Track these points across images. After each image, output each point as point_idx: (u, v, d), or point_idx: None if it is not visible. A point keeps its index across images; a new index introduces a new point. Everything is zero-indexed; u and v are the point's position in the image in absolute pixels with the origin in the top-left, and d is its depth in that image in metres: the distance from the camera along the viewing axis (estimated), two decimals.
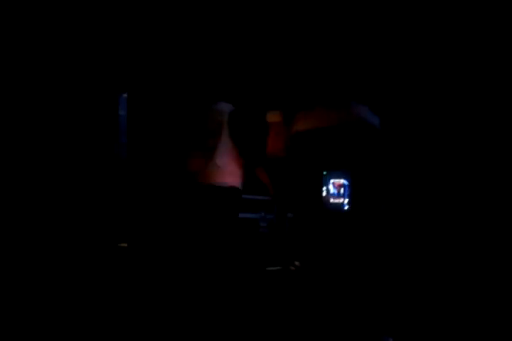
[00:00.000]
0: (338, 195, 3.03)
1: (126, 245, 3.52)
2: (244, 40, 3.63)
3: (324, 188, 3.04)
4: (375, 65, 3.46)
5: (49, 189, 3.46)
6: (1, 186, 3.34)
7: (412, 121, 3.33)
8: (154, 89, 3.73)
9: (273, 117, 3.25)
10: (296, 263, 3.09)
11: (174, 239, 3.35)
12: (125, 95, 3.77)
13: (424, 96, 3.35)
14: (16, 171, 3.38)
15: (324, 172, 3.03)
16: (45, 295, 3.18)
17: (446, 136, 3.26)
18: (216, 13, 3.56)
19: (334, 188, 3.02)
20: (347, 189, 3.01)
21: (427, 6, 3.34)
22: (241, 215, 3.39)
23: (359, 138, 3.08)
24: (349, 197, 2.98)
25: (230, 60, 3.65)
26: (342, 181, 3.02)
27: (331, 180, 3.02)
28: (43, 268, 3.30)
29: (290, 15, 3.52)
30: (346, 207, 3.01)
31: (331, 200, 3.02)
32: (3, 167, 3.37)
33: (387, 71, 3.44)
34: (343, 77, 3.42)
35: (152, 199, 3.59)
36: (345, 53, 3.50)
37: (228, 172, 3.26)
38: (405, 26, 3.40)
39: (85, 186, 3.55)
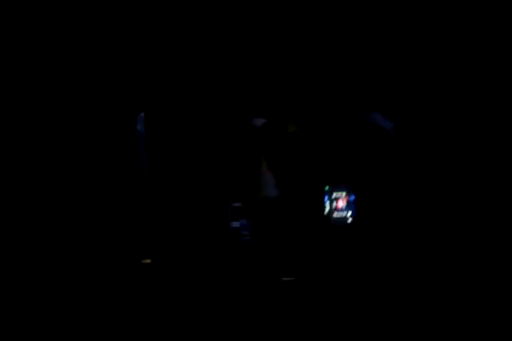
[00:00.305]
0: (342, 209, 3.08)
1: (149, 261, 3.60)
2: (254, 53, 3.65)
3: (327, 203, 3.10)
4: (388, 70, 3.42)
5: (71, 205, 3.56)
6: (22, 201, 3.47)
7: (425, 127, 3.29)
8: (172, 108, 3.81)
9: (291, 128, 3.36)
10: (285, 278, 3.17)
11: (196, 254, 3.44)
12: (142, 114, 3.87)
13: (436, 100, 3.30)
14: (37, 187, 3.50)
15: (326, 188, 3.09)
16: (66, 311, 3.29)
17: (459, 142, 3.21)
18: (221, 34, 3.60)
19: (337, 203, 3.07)
20: (351, 203, 3.06)
21: (439, 12, 3.28)
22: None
23: (371, 143, 3.11)
24: (353, 210, 3.02)
25: (241, 73, 3.69)
26: (345, 195, 3.07)
27: (334, 195, 3.08)
28: (63, 283, 3.39)
29: (296, 27, 3.53)
30: (350, 220, 3.06)
31: (335, 214, 3.08)
32: (25, 184, 3.50)
33: (401, 76, 3.40)
34: (356, 83, 3.41)
35: (176, 213, 3.66)
36: (358, 59, 3.47)
37: (272, 185, 3.37)
38: (419, 32, 3.35)
39: (107, 201, 3.64)
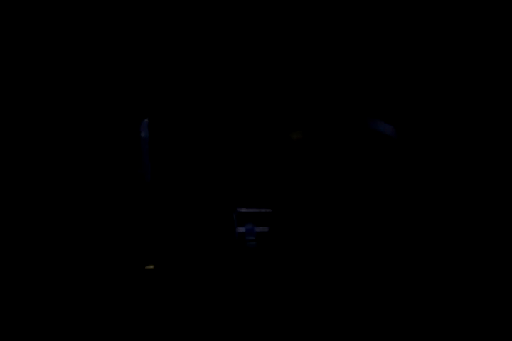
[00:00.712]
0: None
1: (152, 267, 3.60)
2: (258, 59, 3.63)
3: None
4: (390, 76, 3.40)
5: (73, 211, 3.57)
6: (24, 208, 3.52)
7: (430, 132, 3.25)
8: (176, 113, 3.80)
9: (297, 135, 3.41)
10: None
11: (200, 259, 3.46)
12: (146, 120, 3.87)
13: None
14: (41, 191, 3.51)
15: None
16: (70, 314, 3.31)
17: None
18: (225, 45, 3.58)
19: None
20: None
21: (441, 20, 3.24)
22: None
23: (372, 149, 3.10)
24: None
25: (245, 79, 3.66)
26: None
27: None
28: (67, 287, 3.49)
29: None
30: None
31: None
32: (30, 187, 3.50)
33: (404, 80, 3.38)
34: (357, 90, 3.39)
35: (180, 219, 3.66)
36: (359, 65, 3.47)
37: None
38: (420, 40, 3.33)
39: (111, 208, 3.64)
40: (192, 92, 3.74)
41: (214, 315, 3.30)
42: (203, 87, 3.70)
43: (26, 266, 3.46)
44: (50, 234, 3.53)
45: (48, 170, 3.60)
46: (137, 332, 3.28)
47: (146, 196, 3.78)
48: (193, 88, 3.71)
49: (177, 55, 3.68)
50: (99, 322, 3.36)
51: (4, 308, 3.22)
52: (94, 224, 3.62)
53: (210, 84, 3.70)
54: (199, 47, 3.62)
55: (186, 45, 3.65)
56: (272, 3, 3.39)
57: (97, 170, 3.69)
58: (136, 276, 3.58)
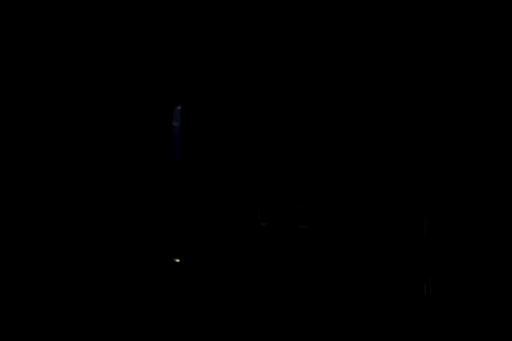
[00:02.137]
0: None
1: (178, 260, 3.60)
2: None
3: None
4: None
5: (102, 200, 3.57)
6: (57, 198, 3.52)
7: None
8: (211, 100, 3.74)
9: None
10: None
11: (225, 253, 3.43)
12: (179, 107, 3.80)
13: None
14: (71, 181, 3.52)
15: None
16: (98, 313, 3.34)
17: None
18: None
19: None
20: None
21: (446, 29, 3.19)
22: None
23: None
24: None
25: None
26: None
27: None
28: (91, 283, 3.46)
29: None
30: None
31: None
32: (60, 180, 3.52)
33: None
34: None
35: (208, 212, 3.64)
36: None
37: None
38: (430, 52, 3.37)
39: (139, 197, 3.63)
40: (229, 79, 3.67)
41: (236, 309, 3.32)
42: (240, 73, 3.63)
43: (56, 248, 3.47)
44: (77, 218, 3.55)
45: (78, 152, 3.59)
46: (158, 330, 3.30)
47: (177, 182, 3.74)
48: (230, 74, 3.64)
49: (212, 36, 3.62)
50: (117, 320, 3.37)
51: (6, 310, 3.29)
52: (121, 210, 3.60)
53: (248, 70, 3.64)
54: (238, 28, 3.57)
55: (224, 25, 3.59)
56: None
57: (123, 159, 3.67)
58: (164, 269, 3.58)
